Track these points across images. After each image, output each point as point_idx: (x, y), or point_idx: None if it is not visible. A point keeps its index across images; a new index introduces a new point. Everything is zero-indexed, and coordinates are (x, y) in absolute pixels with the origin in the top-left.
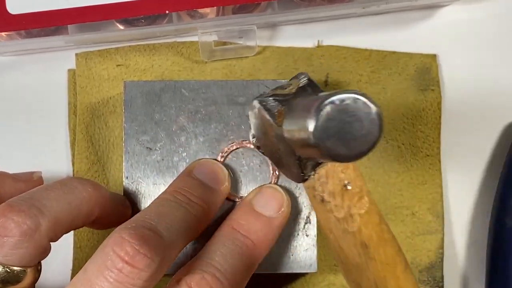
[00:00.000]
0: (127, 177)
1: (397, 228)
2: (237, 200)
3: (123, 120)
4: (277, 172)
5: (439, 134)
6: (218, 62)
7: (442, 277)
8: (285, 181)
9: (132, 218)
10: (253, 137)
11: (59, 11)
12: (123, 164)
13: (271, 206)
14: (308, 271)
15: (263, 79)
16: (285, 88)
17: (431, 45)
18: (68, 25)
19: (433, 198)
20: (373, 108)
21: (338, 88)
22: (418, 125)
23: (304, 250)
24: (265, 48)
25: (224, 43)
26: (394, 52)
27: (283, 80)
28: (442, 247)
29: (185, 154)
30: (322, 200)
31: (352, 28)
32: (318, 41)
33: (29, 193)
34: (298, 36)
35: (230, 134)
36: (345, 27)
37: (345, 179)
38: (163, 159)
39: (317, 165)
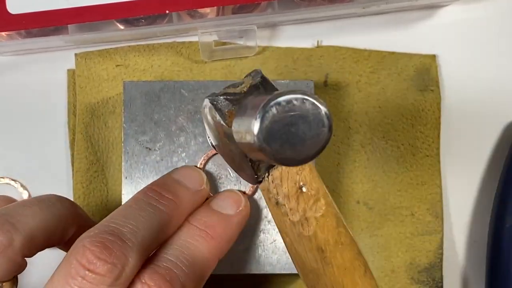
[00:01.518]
0: (126, 177)
1: (396, 229)
2: None
3: (123, 120)
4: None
5: (438, 134)
6: (218, 63)
7: (442, 277)
8: None
9: (97, 224)
10: (209, 137)
11: (59, 11)
12: (122, 164)
13: (228, 205)
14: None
15: None
16: (237, 86)
17: (431, 45)
18: (68, 25)
19: (432, 199)
20: (322, 109)
21: (338, 88)
22: (417, 125)
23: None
24: (264, 48)
25: (224, 43)
26: (393, 53)
27: (282, 81)
28: (441, 247)
29: (184, 154)
30: (277, 203)
31: (352, 28)
32: (318, 41)
33: (4, 208)
34: (298, 36)
35: None
36: (345, 27)
37: (300, 181)
38: (162, 159)
39: (270, 167)
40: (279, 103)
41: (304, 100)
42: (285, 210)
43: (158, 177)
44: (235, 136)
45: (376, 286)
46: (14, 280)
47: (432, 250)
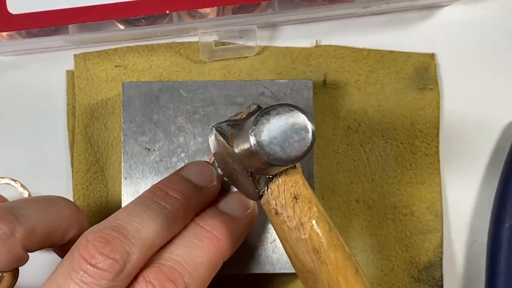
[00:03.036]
0: (125, 178)
1: (396, 228)
2: None
3: (122, 121)
4: None
5: (437, 133)
6: (217, 63)
7: (442, 276)
8: None
9: (103, 221)
10: (217, 166)
11: (59, 11)
12: (122, 165)
13: (237, 207)
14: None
15: (261, 79)
16: (237, 115)
17: (431, 45)
18: (69, 25)
19: (432, 197)
20: (305, 117)
21: (337, 87)
22: (416, 124)
23: None
24: (263, 48)
25: (224, 43)
26: (392, 52)
27: (281, 80)
28: (441, 246)
29: (184, 154)
30: (276, 213)
31: (352, 28)
32: (317, 40)
33: (10, 202)
34: (298, 36)
35: None
36: (345, 27)
37: (294, 192)
38: (161, 160)
39: (269, 180)
40: (268, 113)
41: (290, 110)
42: (283, 218)
43: (158, 177)
44: (236, 151)
45: (367, 285)
46: (15, 272)
47: (432, 249)
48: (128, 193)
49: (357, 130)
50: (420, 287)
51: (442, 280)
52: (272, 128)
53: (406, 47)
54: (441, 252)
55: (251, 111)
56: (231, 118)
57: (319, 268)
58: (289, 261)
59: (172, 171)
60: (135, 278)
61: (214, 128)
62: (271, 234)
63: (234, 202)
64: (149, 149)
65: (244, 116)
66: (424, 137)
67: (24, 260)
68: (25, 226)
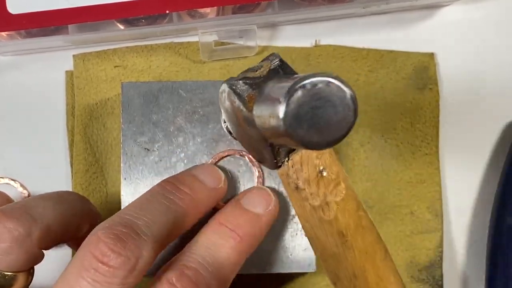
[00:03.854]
0: (125, 178)
1: (396, 227)
2: None
3: (121, 121)
4: (261, 180)
5: (437, 132)
6: (216, 63)
7: (442, 275)
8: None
9: (113, 216)
10: (224, 122)
11: (59, 11)
12: (121, 165)
13: (259, 204)
14: (307, 271)
15: None
16: (256, 71)
17: (431, 45)
18: (68, 25)
19: (432, 197)
20: (347, 92)
21: None
22: (416, 123)
23: (303, 250)
24: (263, 48)
25: (222, 43)
26: (391, 51)
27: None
28: (441, 245)
29: (183, 154)
30: (297, 188)
31: (352, 28)
32: (316, 40)
33: (24, 201)
34: (298, 36)
35: (227, 134)
36: (345, 27)
37: (320, 165)
38: (161, 160)
39: (290, 151)
40: (304, 86)
41: (329, 83)
42: (305, 195)
43: (157, 177)
44: (257, 121)
45: (396, 271)
46: (30, 271)
47: (432, 248)
48: (128, 193)
49: (356, 130)
50: (420, 286)
51: (442, 280)
52: (307, 106)
53: (406, 47)
54: (441, 252)
55: (273, 66)
56: (249, 75)
57: (343, 253)
58: (288, 261)
59: (172, 171)
60: (158, 279)
61: (227, 86)
62: (271, 234)
63: (256, 198)
64: (148, 149)
65: (264, 73)
66: (424, 137)
67: (40, 258)
68: (41, 226)
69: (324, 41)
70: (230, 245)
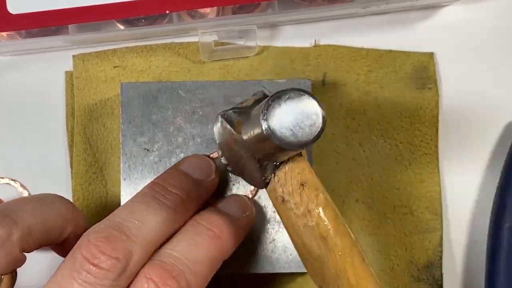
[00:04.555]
0: (124, 179)
1: (395, 227)
2: None
3: (120, 121)
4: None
5: (436, 132)
6: (216, 63)
7: (441, 275)
8: None
9: (103, 219)
10: (222, 156)
11: (59, 11)
12: (121, 165)
13: (236, 209)
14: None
15: (260, 79)
16: (243, 103)
17: (431, 45)
18: (68, 25)
19: (431, 197)
20: (315, 104)
21: (336, 87)
22: (415, 123)
23: None
24: (263, 48)
25: (222, 43)
26: (391, 51)
27: (280, 80)
28: (441, 245)
29: (183, 155)
30: (283, 200)
31: (352, 28)
32: (315, 40)
33: (5, 203)
34: (298, 36)
35: None
36: (345, 27)
37: (301, 179)
38: (160, 160)
39: (275, 167)
40: (279, 97)
41: (300, 94)
42: (291, 206)
43: None
44: (244, 137)
45: (373, 274)
46: (12, 274)
47: (431, 248)
48: (127, 194)
49: (356, 129)
50: (420, 286)
51: (442, 280)
52: (283, 113)
53: (405, 47)
54: (441, 252)
55: (257, 98)
56: (237, 106)
57: (326, 255)
58: (288, 261)
59: None
60: (136, 274)
61: (220, 116)
62: (270, 234)
63: (233, 203)
64: (148, 150)
65: (250, 103)
66: (423, 136)
67: (21, 261)
68: (21, 228)
69: (324, 41)
70: (208, 242)
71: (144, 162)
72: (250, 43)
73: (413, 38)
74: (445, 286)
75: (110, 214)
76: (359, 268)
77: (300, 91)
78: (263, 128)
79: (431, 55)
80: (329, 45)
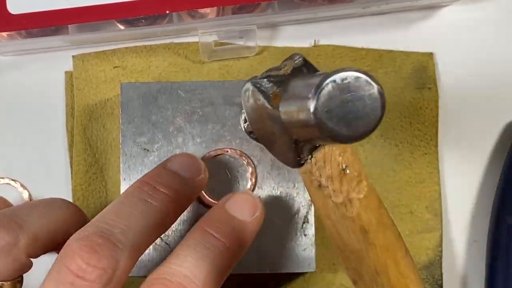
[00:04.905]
0: (124, 179)
1: None
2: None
3: (120, 122)
4: (254, 180)
5: (436, 132)
6: (215, 63)
7: (441, 275)
8: (282, 180)
9: (88, 223)
10: (245, 122)
11: (59, 11)
12: (121, 165)
13: (245, 211)
14: (307, 271)
15: None
16: (280, 69)
17: (431, 45)
18: (68, 25)
19: (431, 196)
20: (375, 86)
21: None
22: (415, 123)
23: (302, 250)
24: (262, 48)
25: (222, 43)
26: (390, 51)
27: None
28: (440, 245)
29: None
30: (320, 185)
31: (352, 28)
32: (315, 40)
33: (11, 209)
34: (298, 36)
35: (227, 134)
36: (345, 27)
37: (343, 162)
38: (160, 161)
39: (314, 148)
40: (334, 81)
41: (358, 78)
42: (328, 192)
43: None
44: (283, 117)
45: (415, 267)
46: (18, 280)
47: (431, 248)
48: None
49: None
50: None
51: (441, 279)
52: (337, 99)
53: (406, 47)
54: (441, 251)
55: (296, 65)
56: (272, 74)
57: (365, 250)
58: (287, 260)
59: None
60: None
61: (251, 84)
62: (270, 234)
63: (242, 203)
64: (147, 150)
65: (289, 72)
66: (423, 136)
67: (28, 267)
68: (28, 234)
69: (323, 41)
70: (217, 254)
71: (144, 162)
72: (250, 43)
73: (413, 38)
74: (445, 286)
75: (95, 218)
76: (402, 264)
77: (357, 72)
78: (311, 117)
79: (430, 55)
80: (329, 45)
